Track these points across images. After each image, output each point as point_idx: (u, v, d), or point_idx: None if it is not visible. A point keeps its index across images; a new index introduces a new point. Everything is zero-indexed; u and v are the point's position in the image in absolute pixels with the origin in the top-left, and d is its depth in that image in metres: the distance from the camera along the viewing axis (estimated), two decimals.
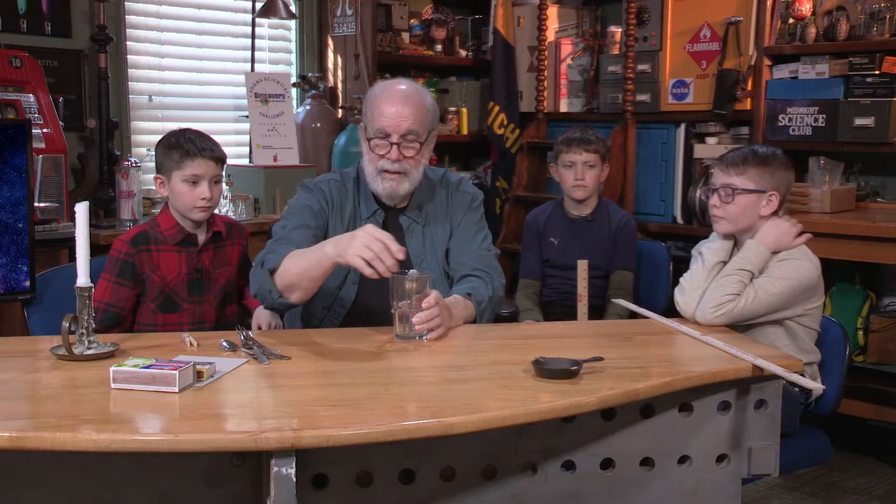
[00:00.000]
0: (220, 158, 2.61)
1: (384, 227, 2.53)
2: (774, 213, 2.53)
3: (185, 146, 2.56)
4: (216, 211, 2.69)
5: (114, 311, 2.54)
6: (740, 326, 2.43)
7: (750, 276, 2.42)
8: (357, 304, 2.53)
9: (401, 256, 2.07)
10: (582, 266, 3.14)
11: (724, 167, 2.54)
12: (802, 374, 2.07)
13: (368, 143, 2.47)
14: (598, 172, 3.45)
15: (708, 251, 2.54)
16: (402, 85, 2.51)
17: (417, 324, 2.17)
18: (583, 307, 3.14)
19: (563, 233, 3.47)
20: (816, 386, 2.07)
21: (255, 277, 2.35)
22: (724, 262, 2.51)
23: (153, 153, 2.72)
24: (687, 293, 2.49)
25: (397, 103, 2.43)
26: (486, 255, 2.55)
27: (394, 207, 2.56)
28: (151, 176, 2.83)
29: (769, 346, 2.29)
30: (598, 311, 3.29)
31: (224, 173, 3.54)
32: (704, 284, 2.47)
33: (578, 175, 3.41)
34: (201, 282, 2.61)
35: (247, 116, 4.44)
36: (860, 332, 3.89)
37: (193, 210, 2.57)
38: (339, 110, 4.75)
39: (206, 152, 2.57)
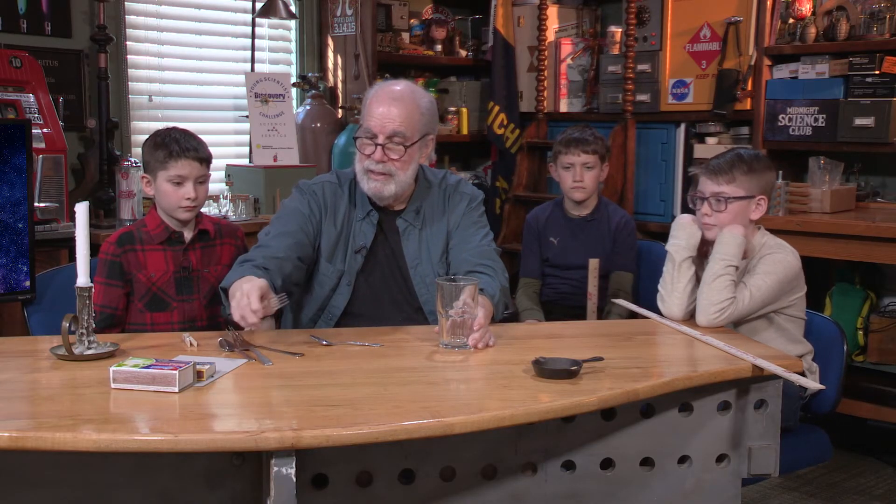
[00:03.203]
0: (204, 159, 2.61)
1: (379, 228, 2.53)
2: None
3: (169, 146, 2.56)
4: (206, 211, 2.69)
5: (108, 311, 2.55)
6: (731, 324, 2.46)
7: (735, 270, 2.43)
8: (350, 308, 2.52)
9: (254, 319, 2.04)
10: (593, 265, 3.14)
11: (712, 175, 2.53)
12: (802, 373, 2.07)
13: (356, 142, 2.47)
14: (597, 173, 3.43)
15: (673, 248, 2.54)
16: (398, 86, 2.48)
17: (472, 344, 2.14)
18: (592, 305, 3.14)
19: (562, 232, 3.46)
20: (815, 385, 2.08)
21: (229, 275, 2.31)
22: (692, 257, 2.51)
23: None
24: (666, 299, 2.52)
25: (386, 104, 2.42)
26: (486, 249, 2.52)
27: (390, 210, 2.55)
28: None
29: (768, 346, 2.29)
30: (596, 312, 3.28)
31: (224, 174, 3.51)
32: (680, 284, 2.49)
33: (577, 177, 3.40)
34: (189, 280, 2.62)
35: (247, 116, 4.44)
36: (860, 332, 3.89)
37: (178, 210, 2.58)
38: (339, 110, 4.75)
39: (191, 153, 2.57)
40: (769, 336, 2.49)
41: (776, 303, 2.48)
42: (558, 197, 3.58)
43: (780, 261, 2.48)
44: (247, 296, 2.06)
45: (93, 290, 2.04)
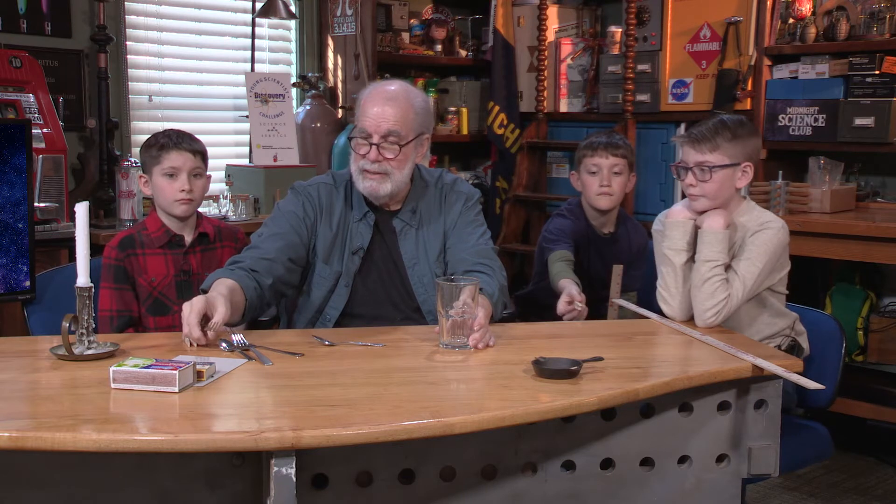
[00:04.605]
0: (198, 151, 2.63)
1: (376, 229, 2.53)
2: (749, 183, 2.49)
3: (161, 141, 2.61)
4: (205, 211, 2.69)
5: (125, 315, 2.56)
6: None
7: (725, 267, 2.41)
8: (348, 309, 2.52)
9: (201, 342, 2.10)
10: (616, 271, 3.05)
11: (695, 144, 2.46)
12: (801, 373, 2.07)
13: (351, 143, 2.47)
14: (625, 181, 3.19)
15: (671, 253, 2.49)
16: (392, 86, 2.48)
17: (473, 344, 2.14)
18: (613, 313, 3.09)
19: (585, 250, 3.25)
20: (814, 385, 2.06)
21: (210, 276, 2.33)
22: (691, 256, 2.47)
23: None
24: (668, 301, 2.50)
25: (380, 103, 2.42)
26: (484, 248, 2.51)
27: (386, 209, 2.54)
28: None
29: (768, 346, 2.29)
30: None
31: (224, 174, 3.49)
32: (682, 286, 2.46)
33: (604, 181, 3.13)
34: (190, 283, 2.61)
35: (247, 116, 4.44)
36: (860, 332, 3.89)
37: (174, 204, 2.58)
38: (339, 110, 4.75)
39: (183, 144, 2.60)
40: (756, 312, 2.48)
41: (766, 281, 2.46)
42: (573, 198, 3.32)
43: (767, 241, 2.43)
44: (186, 322, 2.09)
45: (93, 289, 2.04)
